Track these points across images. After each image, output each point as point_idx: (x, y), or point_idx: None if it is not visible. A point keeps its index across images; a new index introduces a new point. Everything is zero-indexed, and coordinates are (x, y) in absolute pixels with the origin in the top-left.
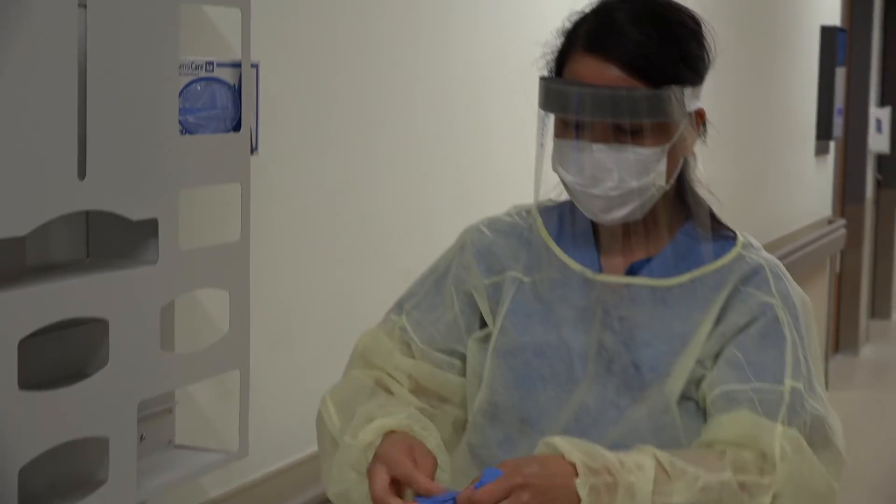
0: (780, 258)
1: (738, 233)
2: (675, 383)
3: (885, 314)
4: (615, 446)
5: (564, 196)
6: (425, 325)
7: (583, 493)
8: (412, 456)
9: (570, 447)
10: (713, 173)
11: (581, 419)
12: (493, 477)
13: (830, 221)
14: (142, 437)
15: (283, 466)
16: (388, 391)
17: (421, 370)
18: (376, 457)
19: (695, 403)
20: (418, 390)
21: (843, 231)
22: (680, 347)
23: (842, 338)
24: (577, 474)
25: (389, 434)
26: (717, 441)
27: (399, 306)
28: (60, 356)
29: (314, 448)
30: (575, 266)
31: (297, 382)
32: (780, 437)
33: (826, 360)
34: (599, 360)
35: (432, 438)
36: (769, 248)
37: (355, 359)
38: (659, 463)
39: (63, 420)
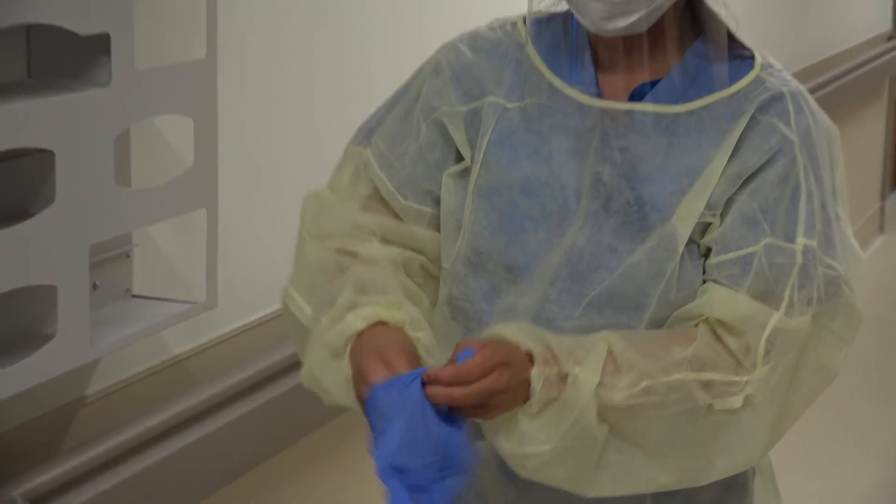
0: (830, 81)
1: (755, 52)
2: (682, 227)
3: None
4: (610, 296)
5: (558, 7)
6: (391, 162)
7: (537, 385)
8: (411, 362)
9: (523, 336)
10: None
11: (573, 265)
12: (469, 356)
13: (890, 38)
14: (95, 286)
15: (257, 320)
16: (354, 255)
17: (386, 227)
18: (375, 352)
19: (697, 248)
20: (385, 242)
21: None
22: (688, 185)
23: None
24: (532, 364)
25: (380, 327)
26: (705, 316)
27: (366, 135)
28: None
29: None
30: (568, 90)
31: (272, 223)
32: (772, 327)
33: (882, 198)
34: (595, 197)
35: (423, 342)
36: (816, 69)
37: (304, 234)
38: (611, 353)
39: (3, 266)
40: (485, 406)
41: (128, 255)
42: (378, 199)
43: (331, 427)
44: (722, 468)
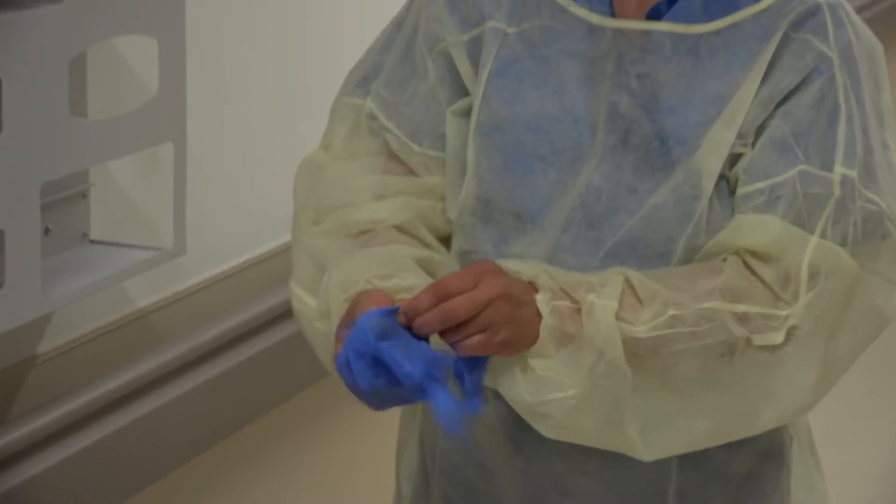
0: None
1: None
2: (709, 162)
3: None
4: (631, 243)
5: None
6: (400, 109)
7: (545, 309)
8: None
9: (523, 265)
10: None
11: (589, 208)
12: None
13: None
14: (47, 230)
15: (231, 269)
16: (360, 233)
17: (394, 187)
18: (351, 305)
19: (727, 185)
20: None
21: None
22: (715, 115)
23: None
24: (537, 291)
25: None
26: (735, 249)
27: (359, 84)
28: None
29: (270, 246)
30: (575, 8)
31: (247, 159)
32: (813, 251)
33: None
34: (612, 131)
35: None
36: None
37: (300, 214)
38: (629, 284)
39: None
40: (486, 328)
41: (84, 196)
42: (385, 156)
43: (318, 388)
44: (768, 416)
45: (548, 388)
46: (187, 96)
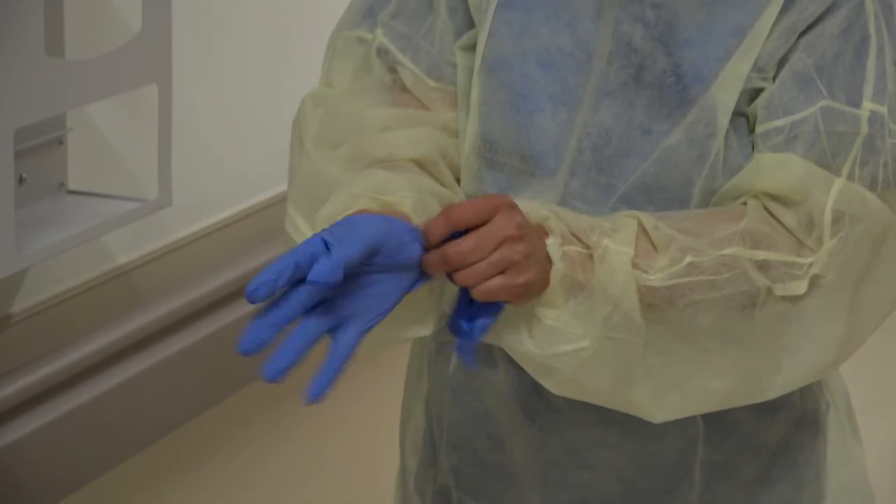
0: None
1: None
2: (723, 96)
3: None
4: (646, 189)
5: None
6: (417, 43)
7: (555, 255)
8: None
9: (532, 206)
10: None
11: (599, 151)
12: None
13: None
14: (21, 179)
15: (219, 222)
16: (374, 161)
17: (411, 118)
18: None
19: (747, 122)
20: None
21: None
22: (735, 47)
23: None
24: (547, 235)
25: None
26: (754, 192)
27: (365, 15)
28: None
29: (263, 197)
30: None
31: (237, 103)
32: (838, 193)
33: None
34: (625, 66)
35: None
36: None
37: (307, 142)
38: (642, 229)
39: None
40: (505, 269)
41: (61, 142)
42: (398, 91)
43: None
44: (788, 373)
45: (558, 340)
46: (173, 34)
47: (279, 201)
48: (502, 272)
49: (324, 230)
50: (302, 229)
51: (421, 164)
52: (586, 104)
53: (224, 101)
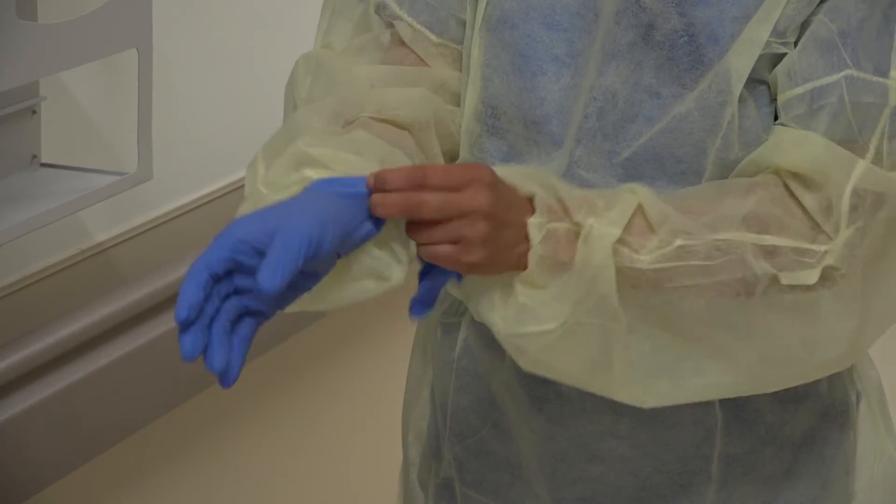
0: None
1: None
2: (738, 62)
3: None
4: (656, 158)
5: None
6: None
7: (535, 236)
8: None
9: (524, 177)
10: None
11: (604, 115)
12: None
13: None
14: None
15: (203, 197)
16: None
17: (411, 76)
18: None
19: (768, 90)
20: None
21: None
22: (753, 8)
23: None
24: (532, 211)
25: None
26: (774, 168)
27: None
28: None
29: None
30: None
31: (222, 70)
32: (860, 177)
33: None
34: (634, 26)
35: None
36: None
37: (299, 102)
38: (642, 207)
39: None
40: (458, 241)
41: (34, 112)
42: (396, 46)
43: (308, 333)
44: (795, 367)
45: (525, 319)
46: None
47: None
48: (454, 243)
49: (262, 220)
50: (258, 167)
51: (409, 128)
52: (592, 67)
53: (209, 68)
